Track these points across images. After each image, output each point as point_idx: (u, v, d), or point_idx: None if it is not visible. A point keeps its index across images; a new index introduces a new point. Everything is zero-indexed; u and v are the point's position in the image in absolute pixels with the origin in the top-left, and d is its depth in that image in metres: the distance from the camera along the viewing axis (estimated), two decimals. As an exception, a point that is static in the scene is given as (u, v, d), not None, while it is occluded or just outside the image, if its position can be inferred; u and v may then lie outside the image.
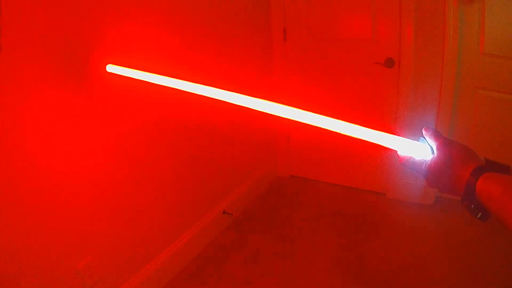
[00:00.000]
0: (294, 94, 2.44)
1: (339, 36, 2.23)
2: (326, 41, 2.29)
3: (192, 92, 1.01)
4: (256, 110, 0.86)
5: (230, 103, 0.91)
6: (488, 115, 2.02)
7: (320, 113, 0.77)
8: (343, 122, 0.73)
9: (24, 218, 1.23)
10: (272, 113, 0.83)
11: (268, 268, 1.94)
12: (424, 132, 0.65)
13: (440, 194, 2.30)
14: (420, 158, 0.64)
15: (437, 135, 0.63)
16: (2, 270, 1.20)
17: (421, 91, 2.09)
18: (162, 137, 1.74)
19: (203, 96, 0.99)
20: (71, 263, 1.41)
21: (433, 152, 0.62)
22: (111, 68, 1.26)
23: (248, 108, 0.87)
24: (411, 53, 2.02)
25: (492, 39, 1.85)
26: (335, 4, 2.16)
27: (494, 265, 1.80)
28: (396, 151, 0.70)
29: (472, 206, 0.55)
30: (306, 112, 0.78)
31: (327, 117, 0.75)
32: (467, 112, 2.07)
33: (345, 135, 0.74)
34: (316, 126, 0.77)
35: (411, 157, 0.66)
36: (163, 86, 1.11)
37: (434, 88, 2.05)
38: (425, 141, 0.64)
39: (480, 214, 0.54)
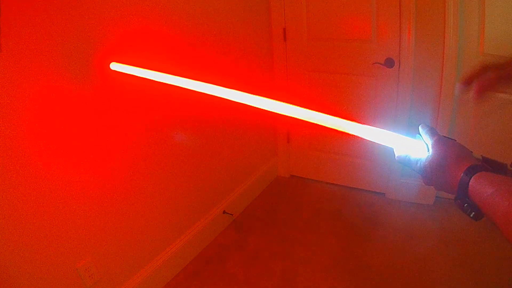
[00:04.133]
0: (294, 94, 2.44)
1: (339, 36, 2.23)
2: (326, 41, 2.29)
3: (193, 89, 1.01)
4: (256, 111, 0.86)
5: (230, 103, 0.92)
6: (488, 115, 2.02)
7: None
8: (339, 119, 0.73)
9: (24, 218, 1.23)
10: (273, 111, 0.83)
11: (268, 268, 1.93)
12: (420, 130, 0.65)
13: (440, 194, 2.30)
14: (415, 156, 0.65)
15: (432, 133, 0.63)
16: (2, 270, 1.20)
17: (421, 91, 2.09)
18: (162, 137, 1.74)
19: (203, 96, 0.99)
20: (71, 263, 1.41)
21: (428, 150, 0.62)
22: (114, 66, 1.28)
23: (248, 108, 0.88)
24: (411, 53, 2.01)
25: (492, 39, 1.84)
26: (335, 4, 2.16)
27: (494, 265, 1.80)
28: (393, 148, 0.70)
29: (465, 205, 0.54)
30: (305, 109, 0.78)
31: (325, 114, 0.75)
32: (467, 112, 2.07)
33: (344, 136, 0.74)
34: (315, 126, 0.77)
35: (407, 154, 0.66)
36: (164, 86, 1.12)
37: (434, 88, 2.04)
38: (421, 138, 0.64)
39: (473, 213, 0.54)
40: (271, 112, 0.85)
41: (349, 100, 2.32)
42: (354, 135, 0.73)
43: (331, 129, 0.76)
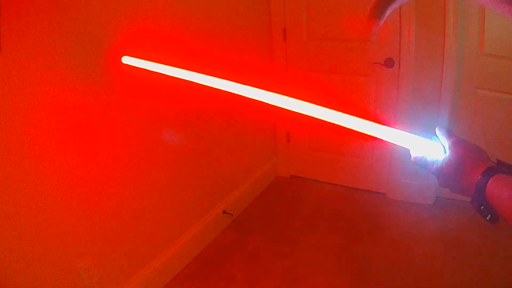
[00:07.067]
0: (294, 95, 2.43)
1: (339, 36, 2.23)
2: (326, 41, 2.29)
3: (197, 82, 1.02)
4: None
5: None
6: (488, 115, 2.02)
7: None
8: (357, 118, 0.72)
9: (24, 218, 1.23)
10: (276, 104, 0.83)
11: (268, 268, 1.93)
12: (436, 131, 0.64)
13: (440, 194, 2.30)
14: (432, 157, 0.64)
15: (449, 134, 0.62)
16: (2, 270, 1.20)
17: (421, 91, 2.09)
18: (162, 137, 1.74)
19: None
20: (71, 263, 1.41)
21: (445, 152, 0.61)
22: (126, 60, 1.29)
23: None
24: (411, 53, 2.01)
25: (492, 39, 1.84)
26: (335, 4, 2.16)
27: (494, 265, 1.80)
28: (408, 149, 0.69)
29: (482, 207, 0.54)
30: (319, 106, 0.77)
31: (344, 113, 0.73)
32: (467, 112, 2.07)
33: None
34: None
35: (423, 156, 0.66)
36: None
37: (434, 88, 2.04)
38: (437, 140, 0.64)
39: (489, 216, 0.53)
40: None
41: (349, 100, 2.32)
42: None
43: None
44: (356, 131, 0.73)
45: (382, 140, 0.70)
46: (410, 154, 0.69)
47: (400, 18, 1.97)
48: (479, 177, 0.54)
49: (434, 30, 1.93)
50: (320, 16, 2.23)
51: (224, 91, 0.96)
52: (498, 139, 1.98)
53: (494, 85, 1.93)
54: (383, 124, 0.70)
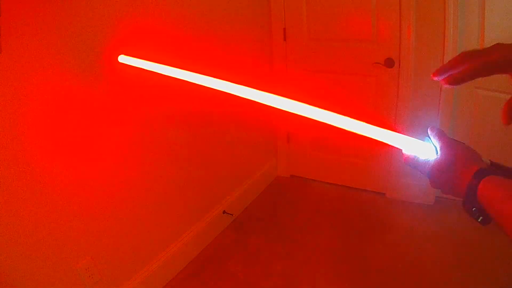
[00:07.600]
0: (293, 95, 2.43)
1: (339, 36, 2.23)
2: (326, 41, 2.29)
3: (196, 82, 1.02)
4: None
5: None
6: (488, 115, 2.02)
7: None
8: (350, 118, 0.72)
9: (24, 218, 1.23)
10: (276, 106, 0.83)
11: (268, 268, 1.93)
12: (429, 132, 0.63)
13: (440, 194, 2.30)
14: (423, 158, 0.63)
15: (441, 135, 0.61)
16: (2, 270, 1.20)
17: (421, 91, 2.09)
18: (163, 137, 1.74)
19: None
20: (70, 263, 1.41)
21: (437, 153, 0.61)
22: (122, 59, 1.28)
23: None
24: (411, 53, 2.01)
25: (492, 39, 1.84)
26: (335, 4, 2.16)
27: (494, 265, 1.80)
28: (400, 149, 0.69)
29: (473, 209, 0.53)
30: (316, 108, 0.77)
31: (336, 114, 0.73)
32: (467, 112, 2.07)
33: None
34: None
35: (415, 156, 0.65)
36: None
37: (434, 88, 2.05)
38: (429, 140, 0.63)
39: (481, 218, 0.53)
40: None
41: (349, 100, 2.32)
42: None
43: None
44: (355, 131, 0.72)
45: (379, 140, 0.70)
46: (401, 154, 0.68)
47: (400, 18, 1.97)
48: (470, 178, 0.53)
49: (434, 30, 1.93)
50: (320, 16, 2.24)
51: (223, 92, 0.95)
52: (498, 139, 1.98)
53: (494, 85, 1.93)
54: (376, 125, 0.70)
